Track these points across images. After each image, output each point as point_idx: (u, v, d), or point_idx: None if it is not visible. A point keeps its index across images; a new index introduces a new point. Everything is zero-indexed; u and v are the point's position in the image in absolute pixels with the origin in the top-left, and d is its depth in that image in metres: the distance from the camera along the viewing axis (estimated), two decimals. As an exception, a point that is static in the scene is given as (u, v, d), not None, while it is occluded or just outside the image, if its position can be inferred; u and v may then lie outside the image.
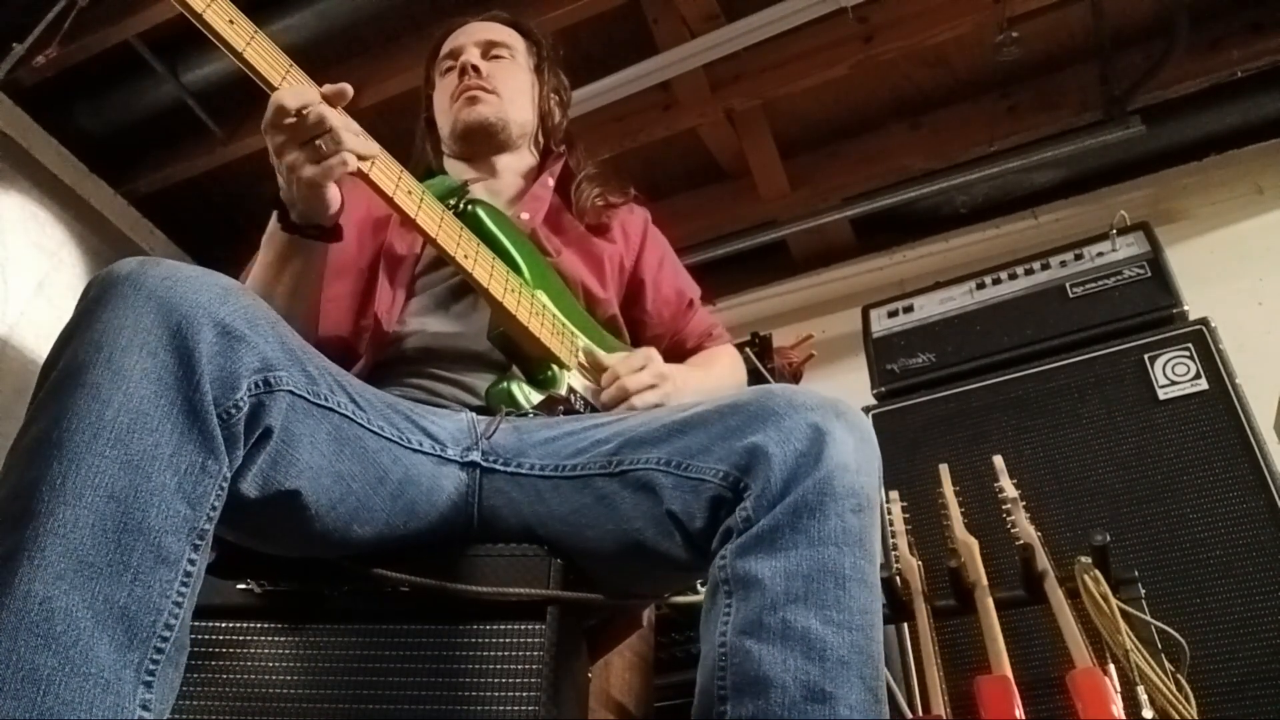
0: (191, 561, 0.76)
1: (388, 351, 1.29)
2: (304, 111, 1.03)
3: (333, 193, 1.09)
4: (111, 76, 2.98)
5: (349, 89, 1.07)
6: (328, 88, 1.06)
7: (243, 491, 0.85)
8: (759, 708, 0.79)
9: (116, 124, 3.12)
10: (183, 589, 0.75)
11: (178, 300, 0.81)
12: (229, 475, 0.81)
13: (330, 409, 0.95)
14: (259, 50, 1.04)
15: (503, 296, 1.20)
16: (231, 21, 1.01)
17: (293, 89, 1.04)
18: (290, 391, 0.89)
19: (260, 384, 0.85)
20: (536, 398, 1.22)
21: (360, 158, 1.06)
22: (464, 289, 1.32)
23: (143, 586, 0.72)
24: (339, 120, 1.04)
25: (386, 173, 1.11)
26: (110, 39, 2.79)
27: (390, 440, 1.02)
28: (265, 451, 0.87)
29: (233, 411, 0.81)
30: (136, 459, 0.74)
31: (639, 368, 1.26)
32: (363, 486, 0.97)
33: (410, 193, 1.14)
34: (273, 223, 1.14)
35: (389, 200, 1.11)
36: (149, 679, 0.71)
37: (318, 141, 1.03)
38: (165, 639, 0.73)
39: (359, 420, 0.99)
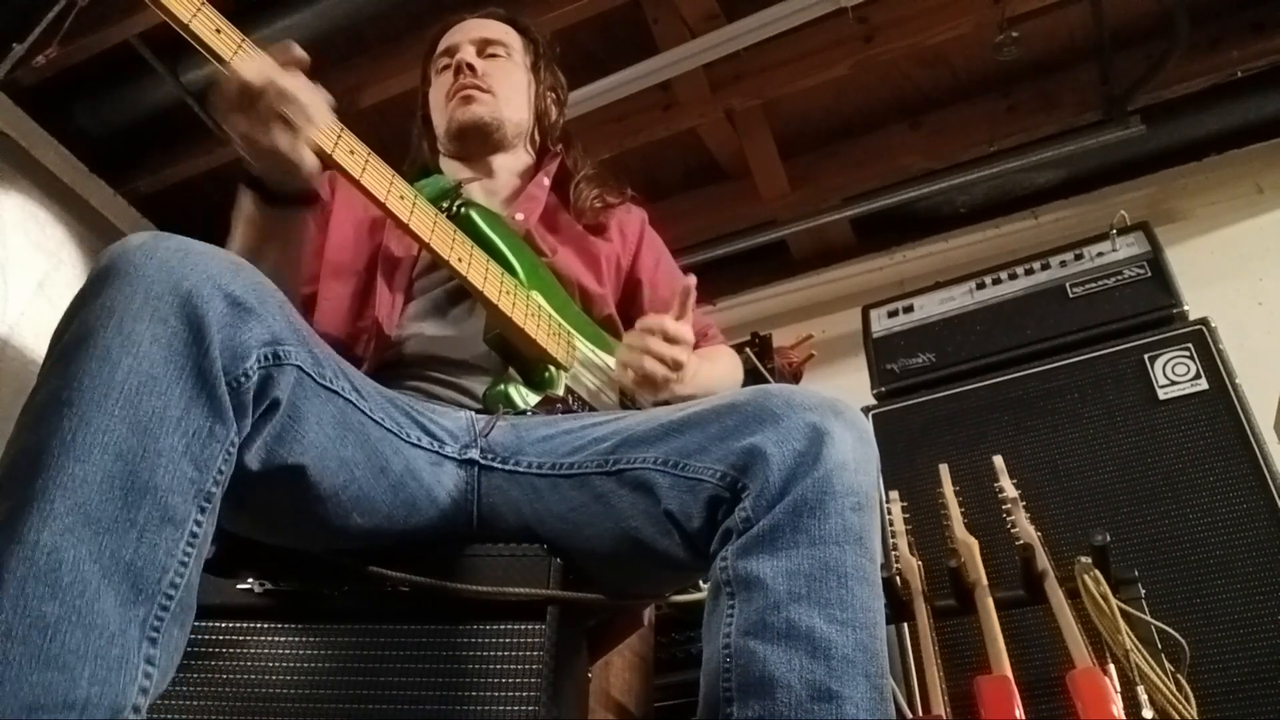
0: (198, 523, 0.77)
1: (386, 355, 1.29)
2: (269, 87, 0.99)
3: (307, 154, 1.04)
4: (111, 76, 2.97)
5: (302, 52, 1.02)
6: (279, 54, 1.01)
7: (247, 464, 0.85)
8: (765, 708, 0.79)
9: (116, 124, 3.11)
10: (189, 549, 0.76)
11: (189, 270, 0.81)
12: (236, 442, 0.82)
13: (336, 392, 0.95)
14: (207, 20, 0.98)
15: (498, 298, 1.20)
16: None
17: (252, 62, 1.00)
18: (299, 367, 0.89)
19: (270, 356, 0.85)
20: (534, 399, 1.22)
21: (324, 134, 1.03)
22: (461, 293, 1.31)
23: (148, 544, 0.73)
24: (305, 93, 1.01)
25: (378, 178, 1.11)
26: (110, 39, 2.78)
27: (391, 432, 1.02)
28: (272, 424, 0.87)
29: (242, 380, 0.82)
30: (145, 420, 0.75)
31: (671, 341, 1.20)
32: (365, 474, 0.97)
33: (403, 198, 1.13)
34: (247, 203, 1.10)
35: (381, 205, 1.11)
36: (153, 635, 0.72)
37: (285, 114, 1.00)
38: (170, 597, 0.74)
39: (362, 408, 0.99)
